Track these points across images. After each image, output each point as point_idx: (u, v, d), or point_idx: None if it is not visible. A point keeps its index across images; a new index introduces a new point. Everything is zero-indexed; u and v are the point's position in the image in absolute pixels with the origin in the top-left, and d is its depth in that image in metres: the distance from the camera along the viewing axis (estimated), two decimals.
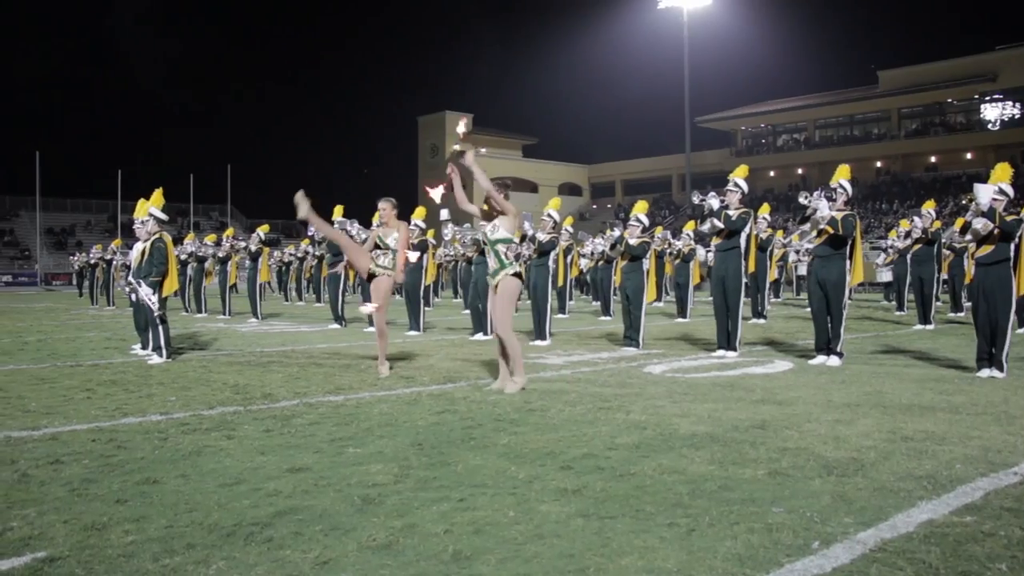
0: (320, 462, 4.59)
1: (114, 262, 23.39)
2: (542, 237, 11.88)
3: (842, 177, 9.29)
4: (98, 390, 7.38)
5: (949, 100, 55.78)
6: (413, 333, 13.30)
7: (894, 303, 18.91)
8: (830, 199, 8.97)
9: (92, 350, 11.08)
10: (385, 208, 8.81)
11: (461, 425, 5.64)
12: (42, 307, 24.73)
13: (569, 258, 18.84)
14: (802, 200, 9.17)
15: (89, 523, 3.53)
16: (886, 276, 20.04)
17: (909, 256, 15.49)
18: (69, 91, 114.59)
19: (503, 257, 7.24)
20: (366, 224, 14.89)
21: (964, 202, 8.98)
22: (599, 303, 19.11)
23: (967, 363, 8.67)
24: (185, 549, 3.21)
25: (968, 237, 8.13)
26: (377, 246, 8.65)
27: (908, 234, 15.76)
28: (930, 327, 13.68)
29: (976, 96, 54.60)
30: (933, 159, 56.29)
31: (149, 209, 9.98)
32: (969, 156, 54.45)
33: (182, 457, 4.74)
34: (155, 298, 9.62)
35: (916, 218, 14.88)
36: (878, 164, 57.98)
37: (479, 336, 12.41)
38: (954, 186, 50.25)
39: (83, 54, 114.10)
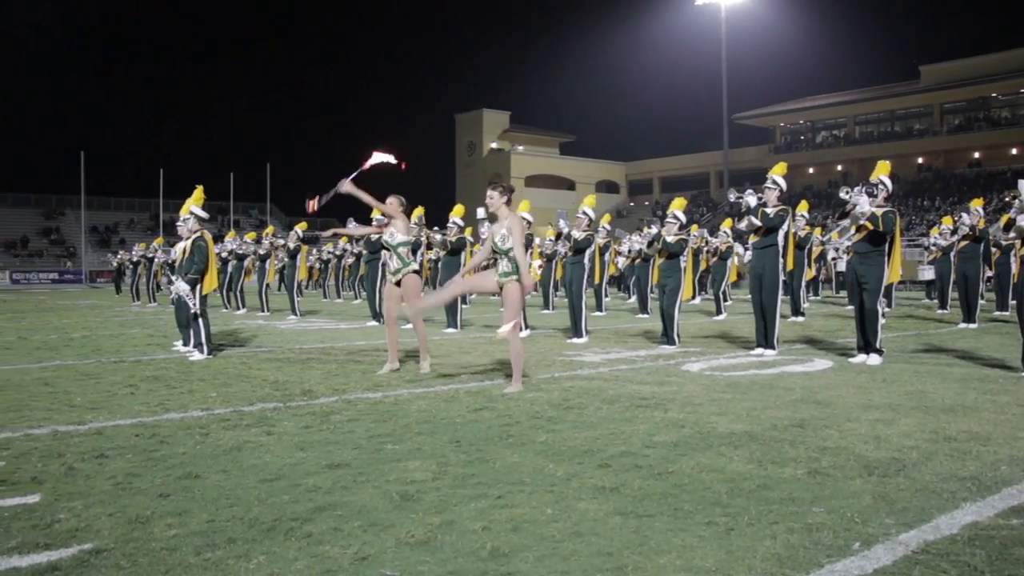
0: (359, 458, 4.63)
1: (156, 260, 23.74)
2: (577, 235, 11.86)
3: (882, 173, 9.17)
4: (141, 386, 7.49)
5: (993, 94, 54.74)
6: (451, 330, 13.34)
7: (936, 301, 18.64)
8: (871, 195, 8.85)
9: (135, 346, 11.25)
10: (392, 203, 8.43)
11: (499, 422, 5.65)
12: (87, 304, 25.15)
13: (606, 256, 18.80)
14: (842, 195, 9.07)
15: (133, 516, 3.59)
16: (928, 274, 19.74)
17: (953, 253, 15.27)
18: (112, 93, 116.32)
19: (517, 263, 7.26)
20: None
21: (1008, 199, 8.83)
22: (635, 300, 19.06)
23: (1012, 362, 8.51)
24: (226, 543, 3.26)
25: (1012, 234, 7.98)
26: (383, 247, 8.48)
27: (954, 231, 15.52)
28: (974, 325, 13.46)
29: (1022, 90, 53.52)
30: (976, 155, 55.33)
31: (190, 207, 10.11)
32: (1014, 151, 53.46)
33: (223, 452, 4.80)
34: (192, 293, 9.75)
35: (964, 214, 14.65)
36: (919, 160, 57.10)
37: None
38: (998, 182, 49.37)
39: (125, 56, 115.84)
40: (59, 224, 62.14)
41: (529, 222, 13.24)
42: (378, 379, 7.84)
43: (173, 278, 9.89)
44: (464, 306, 17.75)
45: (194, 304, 9.75)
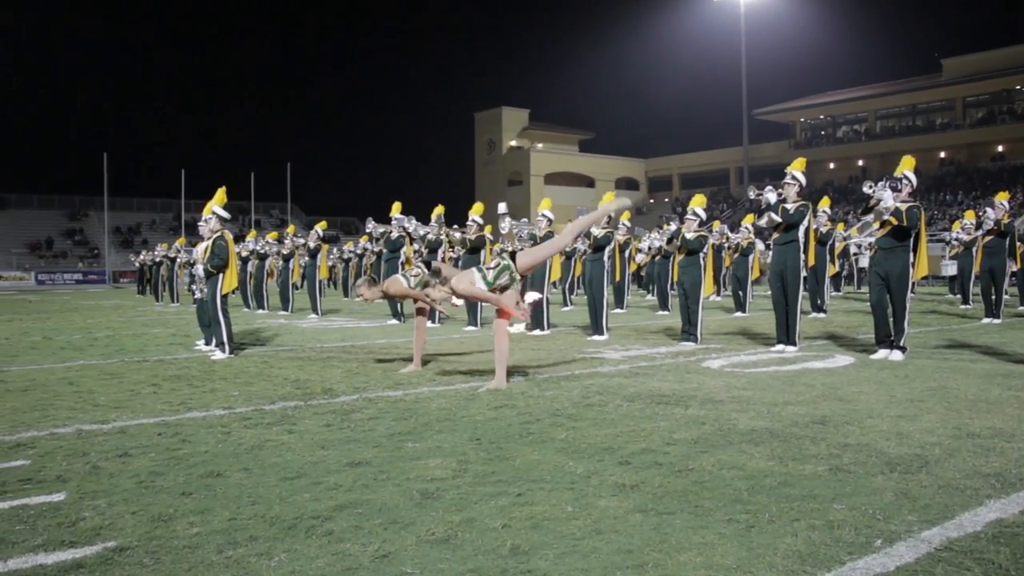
0: (379, 456, 4.65)
1: (178, 260, 23.91)
2: (597, 232, 11.84)
3: (906, 168, 9.11)
4: (164, 385, 7.55)
5: (1017, 87, 54.09)
6: (471, 329, 13.36)
7: (959, 296, 18.48)
8: (895, 189, 8.79)
9: (158, 346, 11.34)
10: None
11: (519, 420, 5.65)
12: (110, 304, 25.36)
13: (626, 253, 18.77)
14: (866, 189, 9.02)
15: (156, 514, 3.62)
16: (950, 269, 19.58)
17: (976, 248, 15.13)
18: (134, 94, 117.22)
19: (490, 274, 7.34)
20: (424, 220, 14.99)
21: None
22: (655, 297, 19.00)
23: None
24: (248, 541, 3.28)
25: None
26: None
27: (978, 225, 15.38)
28: (997, 321, 13.34)
29: None
30: (1000, 148, 54.71)
31: (212, 207, 10.18)
32: None
33: (245, 451, 4.84)
34: (204, 281, 9.88)
35: (989, 209, 14.51)
36: (942, 154, 56.57)
37: (536, 332, 12.42)
38: (1023, 176, 48.83)
39: (146, 57, 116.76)
40: (83, 225, 62.69)
41: (550, 219, 13.27)
42: (399, 377, 7.86)
43: (195, 269, 10.03)
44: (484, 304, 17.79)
45: (203, 291, 9.88)
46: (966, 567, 2.91)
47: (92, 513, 3.67)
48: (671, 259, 15.55)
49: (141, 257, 31.28)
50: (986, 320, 13.53)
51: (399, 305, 15.31)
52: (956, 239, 17.68)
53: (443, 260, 12.89)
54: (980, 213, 15.44)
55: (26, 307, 23.72)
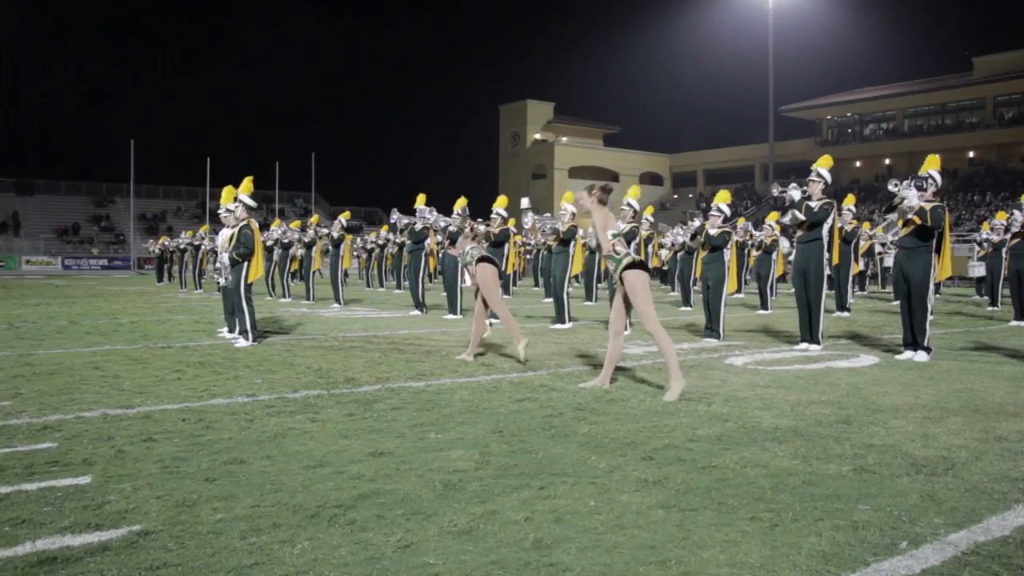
0: (402, 447, 4.66)
1: (202, 247, 24.06)
2: (622, 227, 11.80)
3: (932, 167, 9.01)
4: (187, 371, 7.61)
5: None
6: (494, 321, 13.35)
7: (986, 298, 18.28)
8: (920, 188, 8.71)
9: (182, 332, 11.42)
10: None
11: (541, 413, 5.65)
12: (135, 290, 25.57)
13: (650, 247, 18.70)
14: (891, 187, 8.93)
15: (180, 499, 3.65)
16: (978, 271, 19.36)
17: (1005, 250, 14.96)
18: (162, 82, 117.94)
19: (613, 254, 7.15)
20: (447, 212, 14.99)
21: None
22: (677, 293, 18.91)
23: None
24: (271, 528, 3.30)
25: None
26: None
27: (1007, 227, 15.20)
28: None
29: None
30: None
31: (239, 196, 10.25)
32: None
33: (268, 439, 4.86)
34: (228, 269, 9.95)
35: (1016, 211, 14.34)
36: (971, 154, 55.94)
37: (559, 325, 12.41)
38: None
39: (173, 46, 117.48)
40: (109, 211, 63.20)
41: (573, 213, 13.24)
42: (421, 368, 7.86)
43: (220, 257, 10.12)
44: (507, 297, 17.78)
45: (227, 279, 9.95)
46: (993, 572, 2.88)
47: (117, 497, 3.70)
48: (695, 255, 15.50)
49: (160, 244, 31.13)
50: (1015, 322, 13.38)
51: (421, 295, 15.33)
52: (987, 240, 17.49)
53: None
54: (1010, 215, 15.27)
55: (52, 291, 23.97)
